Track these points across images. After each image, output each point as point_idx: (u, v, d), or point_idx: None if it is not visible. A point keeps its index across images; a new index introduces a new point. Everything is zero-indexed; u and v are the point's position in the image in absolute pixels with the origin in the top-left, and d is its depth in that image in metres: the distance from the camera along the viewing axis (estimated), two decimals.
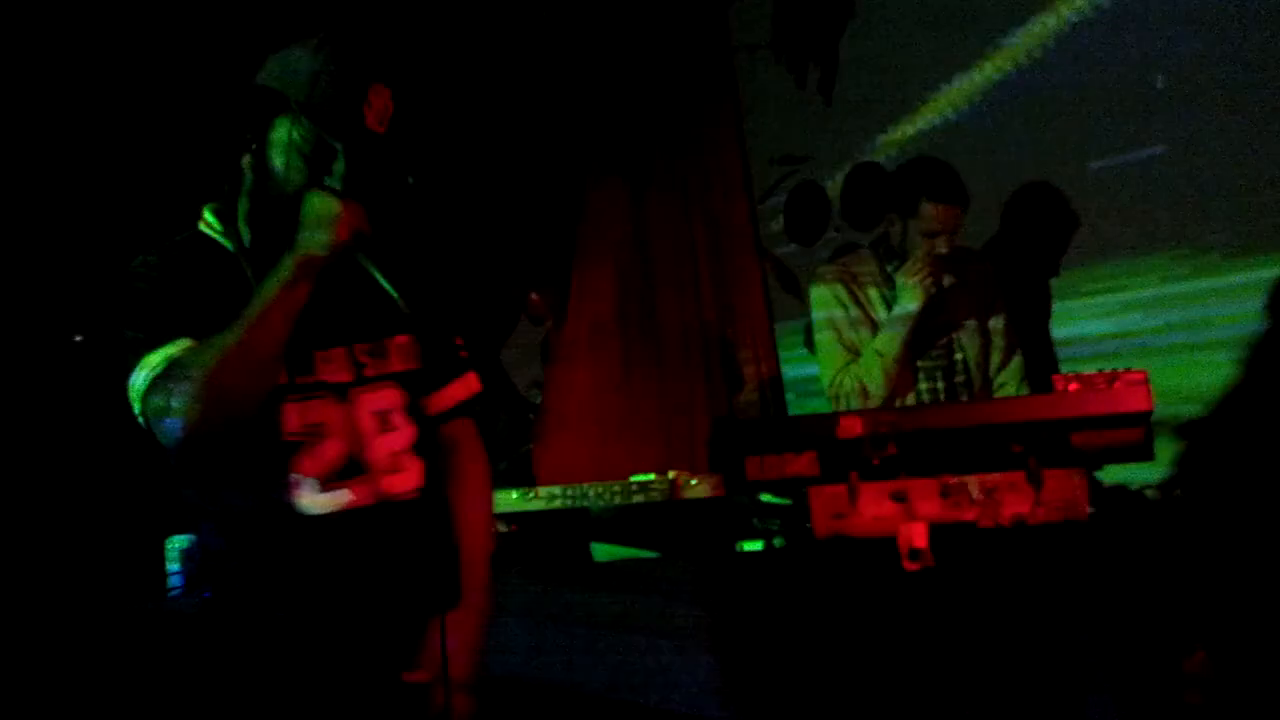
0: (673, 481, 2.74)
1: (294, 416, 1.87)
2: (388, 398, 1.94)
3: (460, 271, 3.38)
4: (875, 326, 3.30)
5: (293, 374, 1.87)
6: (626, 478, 2.86)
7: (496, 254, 4.43)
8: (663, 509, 2.80)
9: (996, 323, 3.39)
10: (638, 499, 2.74)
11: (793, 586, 2.52)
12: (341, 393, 1.90)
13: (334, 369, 1.90)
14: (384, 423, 1.93)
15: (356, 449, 1.90)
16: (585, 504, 2.74)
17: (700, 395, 4.06)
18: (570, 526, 2.89)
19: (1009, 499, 2.40)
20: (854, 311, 3.33)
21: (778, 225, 4.40)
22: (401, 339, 1.96)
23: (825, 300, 3.36)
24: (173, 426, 1.75)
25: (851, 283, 3.36)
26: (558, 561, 2.95)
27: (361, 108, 1.80)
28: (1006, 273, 3.52)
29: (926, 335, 3.31)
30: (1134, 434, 2.40)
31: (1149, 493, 3.02)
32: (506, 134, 4.47)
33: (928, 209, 3.22)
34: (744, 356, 4.15)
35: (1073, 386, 2.50)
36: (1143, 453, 2.43)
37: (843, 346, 3.31)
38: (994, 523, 2.39)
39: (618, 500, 2.72)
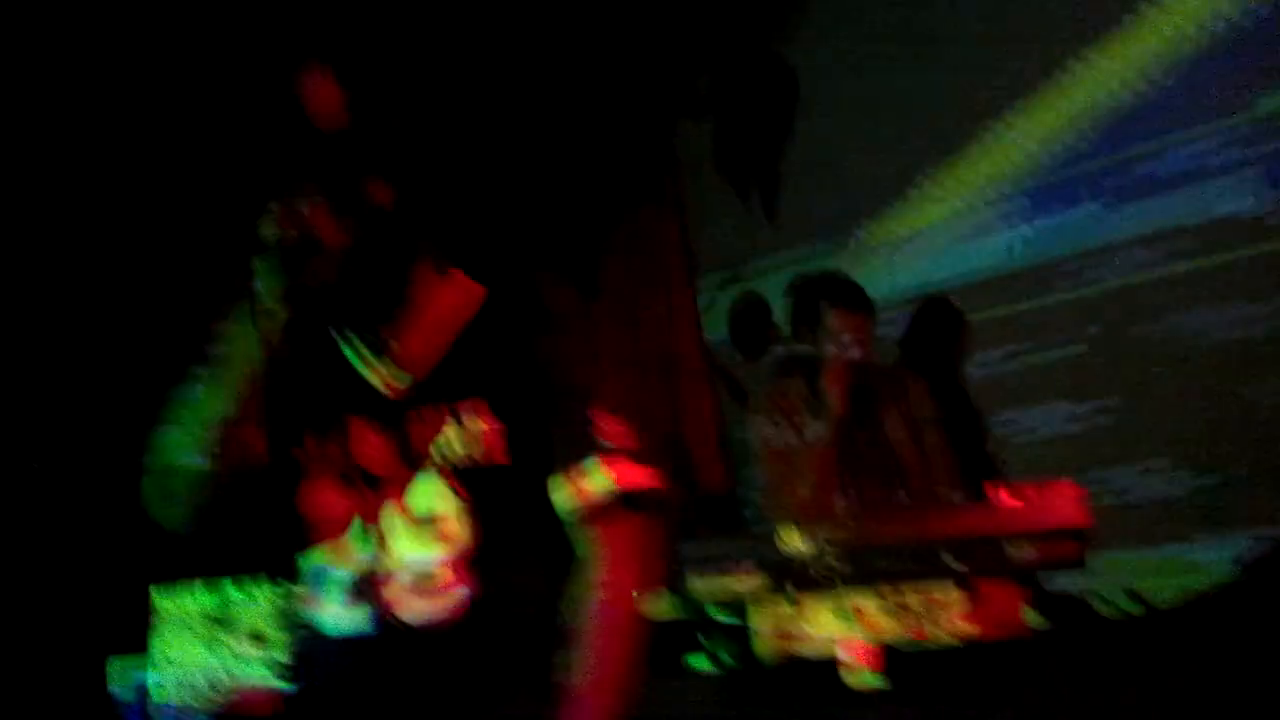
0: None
1: None
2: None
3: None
4: (807, 447, 3.36)
5: None
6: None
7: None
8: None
9: (933, 436, 3.41)
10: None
11: (744, 710, 2.53)
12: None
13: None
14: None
15: None
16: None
17: None
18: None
19: (947, 611, 2.45)
20: (787, 434, 3.39)
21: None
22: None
23: (760, 427, 3.43)
24: None
25: (783, 405, 3.42)
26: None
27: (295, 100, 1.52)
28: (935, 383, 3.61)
29: (861, 450, 3.37)
30: (1069, 548, 2.47)
31: (1099, 604, 3.08)
32: (457, 247, 4.53)
33: (829, 315, 3.33)
34: (696, 472, 4.17)
35: (1008, 500, 2.56)
36: (1076, 564, 2.49)
37: (777, 468, 3.37)
38: (934, 635, 2.43)
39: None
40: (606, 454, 1.77)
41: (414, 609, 1.65)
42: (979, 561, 2.51)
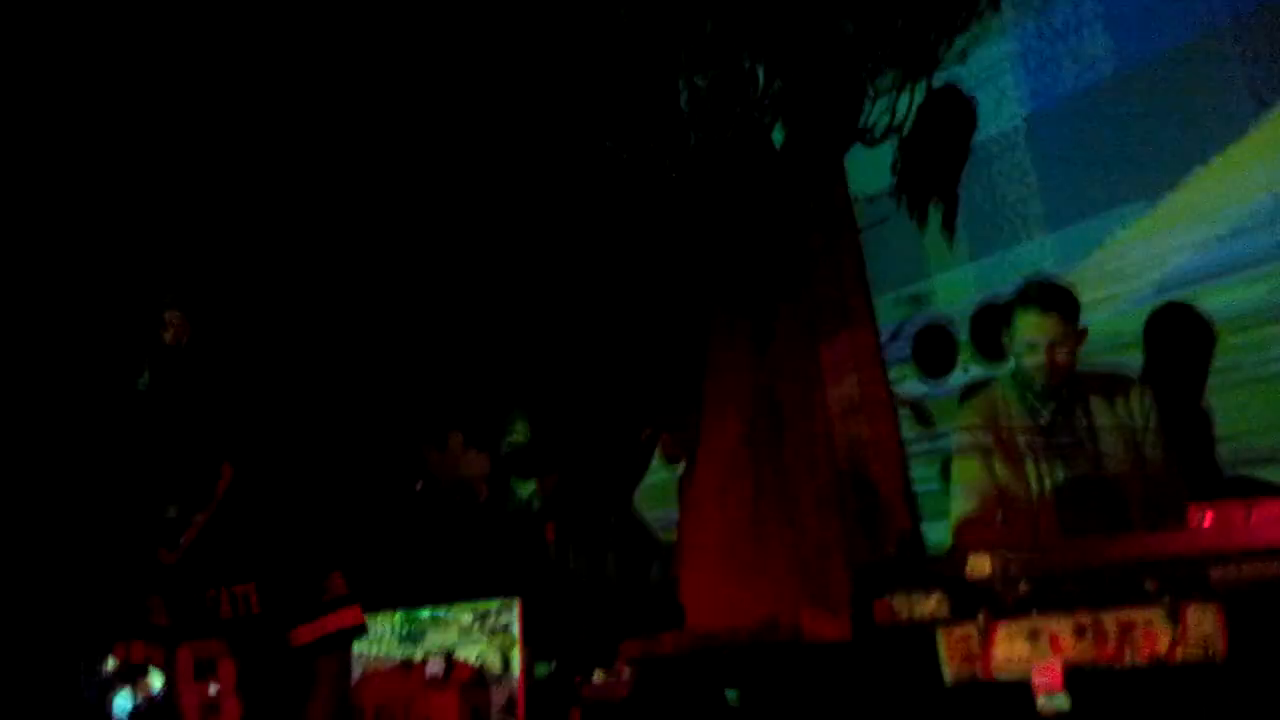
0: (801, 624, 2.75)
1: (118, 653, 2.14)
2: (211, 646, 2.17)
3: (580, 421, 3.54)
4: (1014, 457, 3.26)
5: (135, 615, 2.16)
6: (759, 619, 2.88)
7: (624, 397, 4.55)
8: (794, 651, 2.80)
9: (1153, 452, 3.23)
10: (767, 642, 2.75)
11: None
12: (164, 638, 2.17)
13: (156, 614, 2.18)
14: (203, 669, 2.15)
15: (173, 694, 2.14)
16: (713, 648, 2.76)
17: (835, 534, 4.05)
18: (703, 670, 2.91)
19: (1146, 636, 2.34)
20: (992, 443, 3.28)
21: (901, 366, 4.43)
22: (241, 587, 2.18)
23: (967, 429, 3.32)
24: None
25: (995, 412, 3.30)
26: (693, 706, 2.95)
27: (158, 332, 2.17)
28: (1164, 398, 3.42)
29: (1071, 467, 3.25)
30: (1275, 568, 2.33)
31: None
32: (632, 276, 4.63)
33: (1020, 318, 3.21)
34: (878, 494, 4.14)
35: (1208, 520, 2.45)
36: None
37: (979, 476, 3.26)
38: (1132, 661, 2.33)
39: (745, 643, 2.74)
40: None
41: None
42: (1180, 584, 2.39)
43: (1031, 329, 3.18)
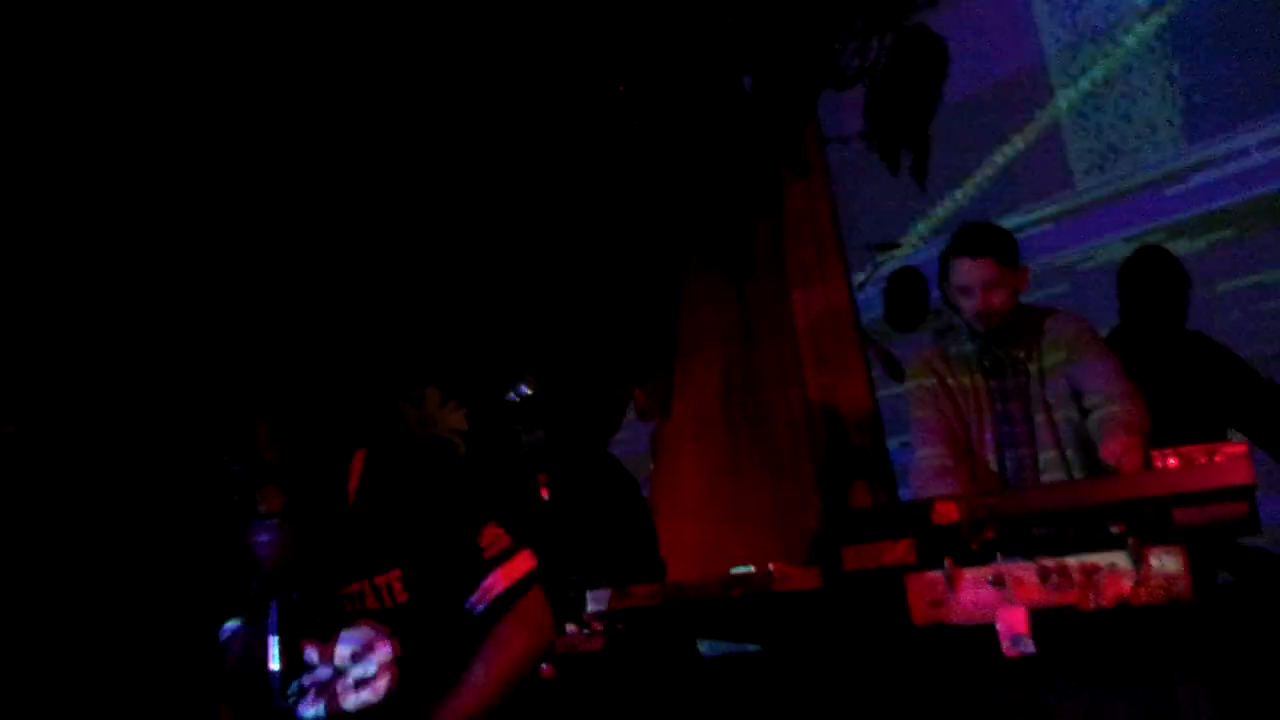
0: (771, 574, 2.75)
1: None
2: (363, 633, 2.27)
3: (561, 372, 3.52)
4: (963, 409, 3.26)
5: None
6: (730, 569, 2.89)
7: (597, 350, 4.54)
8: (764, 601, 2.81)
9: (1094, 382, 3.15)
10: (737, 593, 2.76)
11: (893, 675, 2.51)
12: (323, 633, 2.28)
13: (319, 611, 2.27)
14: (358, 655, 2.26)
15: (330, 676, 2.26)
16: (684, 600, 2.77)
17: (808, 484, 4.06)
18: (674, 622, 2.92)
19: (1110, 580, 2.36)
20: (939, 398, 3.28)
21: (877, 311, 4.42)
22: (382, 578, 2.24)
23: (917, 388, 3.33)
24: None
25: (943, 367, 3.31)
26: (664, 657, 2.97)
27: (252, 445, 2.22)
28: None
29: (1011, 410, 3.24)
30: (1238, 509, 2.35)
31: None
32: (604, 229, 4.61)
33: (954, 265, 3.18)
34: (851, 443, 4.15)
35: (1171, 462, 2.46)
36: (1248, 526, 2.37)
37: (931, 431, 3.28)
38: (1096, 605, 2.35)
39: (717, 595, 2.75)
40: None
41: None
42: (1143, 527, 2.41)
43: (963, 274, 3.16)
